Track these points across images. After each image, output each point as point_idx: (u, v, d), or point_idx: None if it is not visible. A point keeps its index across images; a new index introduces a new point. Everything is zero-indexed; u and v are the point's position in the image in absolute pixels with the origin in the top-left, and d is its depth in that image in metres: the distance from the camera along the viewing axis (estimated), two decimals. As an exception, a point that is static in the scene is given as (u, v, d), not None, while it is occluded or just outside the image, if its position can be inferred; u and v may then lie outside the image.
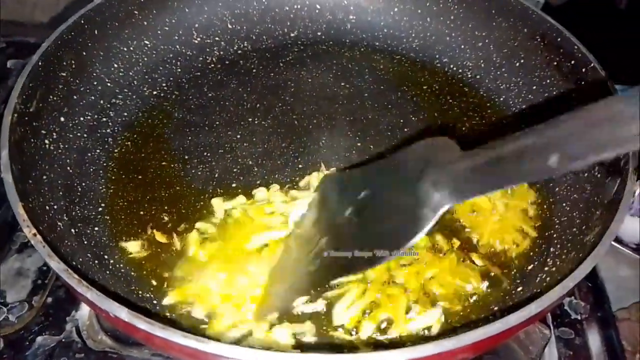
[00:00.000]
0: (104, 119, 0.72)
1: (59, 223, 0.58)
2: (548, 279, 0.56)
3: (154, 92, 0.78)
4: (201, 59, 0.83)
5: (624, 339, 0.65)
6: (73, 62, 0.70)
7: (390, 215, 0.49)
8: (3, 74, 0.89)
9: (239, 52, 0.85)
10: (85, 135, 0.69)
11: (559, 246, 0.59)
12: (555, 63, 0.73)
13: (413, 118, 0.76)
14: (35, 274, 0.66)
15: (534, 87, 0.76)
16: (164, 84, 0.79)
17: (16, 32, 0.97)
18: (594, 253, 0.47)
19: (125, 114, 0.75)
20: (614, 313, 0.68)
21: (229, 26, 0.86)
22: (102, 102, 0.73)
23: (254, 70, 0.82)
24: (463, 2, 0.82)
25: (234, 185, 0.67)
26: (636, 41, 0.93)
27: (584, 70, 0.68)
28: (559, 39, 0.72)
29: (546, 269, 0.57)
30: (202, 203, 0.65)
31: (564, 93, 0.72)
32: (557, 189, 0.66)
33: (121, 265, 0.59)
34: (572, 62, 0.70)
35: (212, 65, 0.83)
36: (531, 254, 0.62)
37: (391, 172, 0.53)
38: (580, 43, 0.69)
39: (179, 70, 0.81)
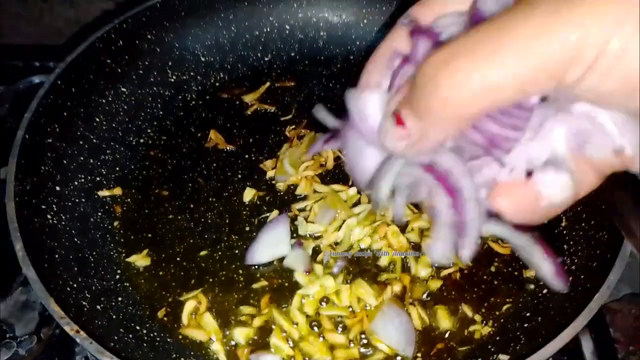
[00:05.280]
0: (98, 179, 0.70)
1: (83, 303, 0.56)
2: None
3: (141, 141, 0.76)
4: (180, 97, 0.81)
5: (617, 331, 0.65)
6: (56, 126, 0.67)
7: None
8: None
9: (217, 84, 0.84)
10: (83, 200, 0.67)
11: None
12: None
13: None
14: (42, 306, 0.63)
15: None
16: (149, 130, 0.77)
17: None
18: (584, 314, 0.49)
19: (117, 168, 0.72)
20: (607, 304, 0.67)
21: (202, 59, 0.84)
22: (92, 161, 0.71)
23: (237, 102, 0.81)
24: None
25: (247, 229, 0.67)
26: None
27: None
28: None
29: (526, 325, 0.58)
30: (219, 253, 0.65)
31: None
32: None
33: (154, 335, 0.58)
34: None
35: (194, 102, 0.81)
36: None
37: None
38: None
39: (161, 112, 0.79)
